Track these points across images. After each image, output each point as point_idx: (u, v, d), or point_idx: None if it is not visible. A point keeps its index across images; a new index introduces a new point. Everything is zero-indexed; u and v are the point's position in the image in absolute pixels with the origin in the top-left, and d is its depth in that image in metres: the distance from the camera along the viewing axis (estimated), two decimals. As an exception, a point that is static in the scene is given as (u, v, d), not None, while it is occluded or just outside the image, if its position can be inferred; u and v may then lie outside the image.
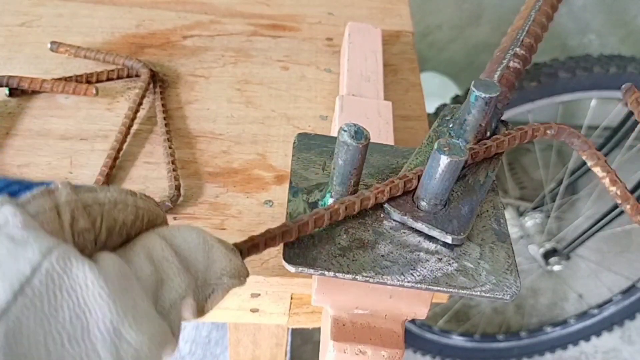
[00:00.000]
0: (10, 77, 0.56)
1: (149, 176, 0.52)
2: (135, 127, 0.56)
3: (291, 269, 0.34)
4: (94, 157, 0.53)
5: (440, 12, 1.69)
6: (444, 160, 0.34)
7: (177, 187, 0.50)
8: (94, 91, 0.56)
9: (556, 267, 1.36)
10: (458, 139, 0.41)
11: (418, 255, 0.36)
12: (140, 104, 0.57)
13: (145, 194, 0.29)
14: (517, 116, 1.15)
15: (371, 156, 0.41)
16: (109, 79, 0.60)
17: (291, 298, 0.51)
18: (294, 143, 0.42)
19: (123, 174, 0.52)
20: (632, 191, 1.33)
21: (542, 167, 1.61)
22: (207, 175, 0.53)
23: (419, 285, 0.35)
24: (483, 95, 0.38)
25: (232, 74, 0.63)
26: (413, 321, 1.37)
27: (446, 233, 0.37)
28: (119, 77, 0.60)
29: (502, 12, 1.72)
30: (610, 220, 1.28)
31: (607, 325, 1.56)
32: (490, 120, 0.41)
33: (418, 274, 0.35)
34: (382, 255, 0.36)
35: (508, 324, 1.66)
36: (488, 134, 0.42)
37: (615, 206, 1.27)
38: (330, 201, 0.37)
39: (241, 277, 0.30)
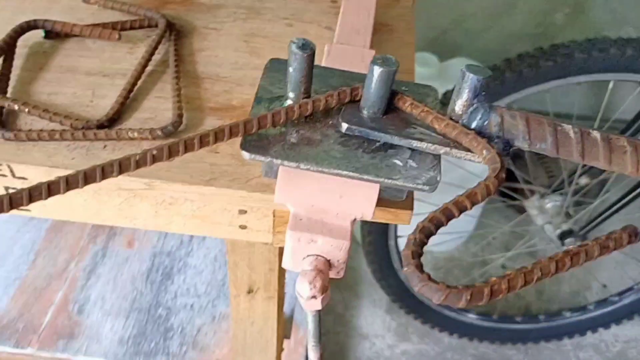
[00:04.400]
0: (45, 20, 0.65)
1: (158, 108, 0.60)
2: (150, 67, 0.64)
3: (246, 155, 0.41)
4: (113, 90, 0.61)
5: (475, -1, 1.73)
6: (376, 70, 0.40)
7: (180, 115, 0.57)
8: (117, 36, 0.65)
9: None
10: None
11: (356, 153, 0.42)
12: (155, 47, 0.65)
13: None
14: (532, 96, 1.18)
15: (332, 79, 0.48)
16: (132, 28, 0.68)
17: (274, 216, 0.58)
18: (266, 65, 0.49)
19: (136, 104, 0.60)
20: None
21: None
22: (209, 109, 0.60)
23: (351, 174, 0.41)
24: None
25: (242, 28, 0.71)
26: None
27: (342, 120, 0.43)
28: (140, 27, 0.68)
29: (537, 1, 1.75)
30: (627, 203, 1.30)
31: (628, 313, 1.56)
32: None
33: (352, 166, 0.41)
34: (325, 151, 0.42)
35: (527, 307, 1.68)
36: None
37: (633, 189, 1.28)
38: None
39: None
